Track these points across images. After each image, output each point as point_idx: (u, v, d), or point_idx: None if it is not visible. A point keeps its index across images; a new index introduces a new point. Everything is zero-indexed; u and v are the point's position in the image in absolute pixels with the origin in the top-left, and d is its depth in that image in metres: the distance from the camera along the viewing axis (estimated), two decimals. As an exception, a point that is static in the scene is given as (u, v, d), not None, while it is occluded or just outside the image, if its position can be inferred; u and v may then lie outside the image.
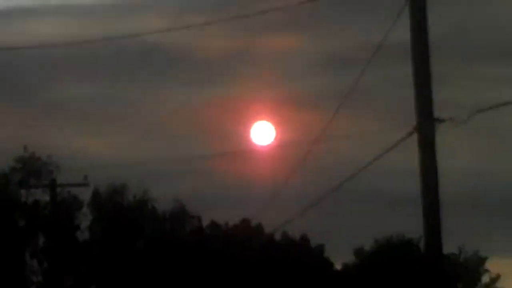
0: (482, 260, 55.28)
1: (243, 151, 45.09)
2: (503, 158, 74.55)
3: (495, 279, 59.98)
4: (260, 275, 53.73)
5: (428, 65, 19.85)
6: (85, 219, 54.53)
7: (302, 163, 32.46)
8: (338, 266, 60.43)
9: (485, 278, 59.95)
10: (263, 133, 41.51)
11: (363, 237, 58.01)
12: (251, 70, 71.13)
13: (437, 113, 19.92)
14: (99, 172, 48.78)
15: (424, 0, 20.17)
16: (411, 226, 33.02)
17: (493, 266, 59.68)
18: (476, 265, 58.85)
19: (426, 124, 19.18)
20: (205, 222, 55.83)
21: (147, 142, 76.71)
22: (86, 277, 55.16)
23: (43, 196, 49.30)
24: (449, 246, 29.12)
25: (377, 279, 56.86)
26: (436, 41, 20.64)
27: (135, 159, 67.46)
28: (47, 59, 68.27)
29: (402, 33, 21.21)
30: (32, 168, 51.94)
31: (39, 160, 52.08)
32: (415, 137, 19.26)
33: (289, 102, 66.26)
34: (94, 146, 75.70)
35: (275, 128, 41.78)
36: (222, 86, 69.70)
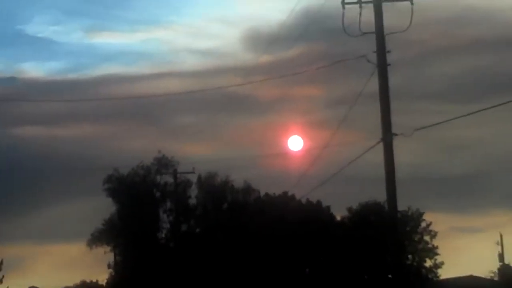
0: (421, 214, 65.75)
1: (285, 154, 63.67)
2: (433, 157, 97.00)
3: (429, 224, 67.72)
4: (294, 226, 64.94)
5: (388, 102, 28.61)
6: (193, 192, 71.93)
7: (316, 161, 46.86)
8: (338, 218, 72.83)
9: (423, 224, 67.69)
10: (296, 143, 55.88)
11: (353, 201, 68.73)
12: (290, 106, 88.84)
13: (394, 130, 28.58)
14: (202, 166, 69.63)
15: (385, 66, 28.84)
16: (382, 195, 36.42)
17: (426, 217, 67.70)
18: (417, 216, 66.84)
19: (387, 137, 28.20)
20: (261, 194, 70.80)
21: (229, 150, 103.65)
22: (194, 225, 71.65)
23: (170, 179, 70.76)
24: (401, 206, 34.37)
25: (360, 225, 66.54)
26: (394, 88, 29.98)
27: (221, 159, 78.44)
28: (172, 102, 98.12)
29: (374, 86, 30.20)
30: (163, 163, 70.57)
31: (167, 158, 70.59)
32: (381, 144, 28.85)
33: (312, 124, 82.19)
34: (200, 151, 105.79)
35: (303, 140, 56.36)
36: (273, 116, 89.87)
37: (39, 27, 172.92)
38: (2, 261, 55.15)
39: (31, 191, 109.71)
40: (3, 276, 55.39)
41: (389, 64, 30.36)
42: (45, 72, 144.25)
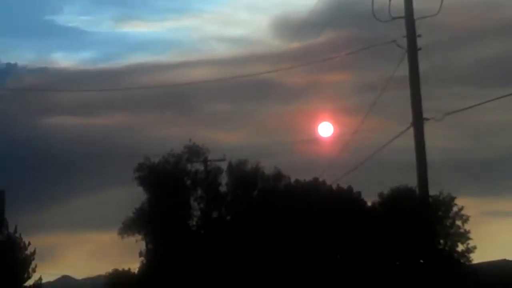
0: (453, 198, 70.37)
1: (315, 140, 63.48)
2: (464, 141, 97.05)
3: (461, 209, 67.54)
4: (324, 212, 65.73)
5: (419, 87, 28.71)
6: (223, 180, 71.89)
7: (347, 147, 46.99)
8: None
9: (455, 208, 67.13)
10: (326, 129, 55.52)
11: (385, 187, 68.42)
12: (320, 93, 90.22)
13: (425, 114, 28.73)
14: (232, 153, 69.38)
15: (416, 50, 28.74)
16: (413, 180, 47.35)
17: (458, 201, 67.45)
18: (449, 201, 66.49)
19: (418, 121, 28.29)
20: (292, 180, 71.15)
21: (259, 136, 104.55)
22: (225, 212, 71.15)
23: (200, 167, 70.68)
24: (432, 191, 33.60)
25: (391, 210, 66.46)
26: (424, 73, 29.73)
27: (252, 146, 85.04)
28: (202, 90, 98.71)
29: (404, 71, 30.16)
30: (194, 151, 70.55)
31: (197, 146, 70.68)
32: (412, 129, 28.86)
33: (343, 111, 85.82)
34: (230, 138, 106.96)
35: (333, 126, 55.88)
36: (303, 103, 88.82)
37: (69, 17, 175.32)
38: (35, 250, 58.68)
39: (63, 180, 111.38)
40: (36, 266, 58.72)
41: (420, 49, 30.52)
42: (76, 62, 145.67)
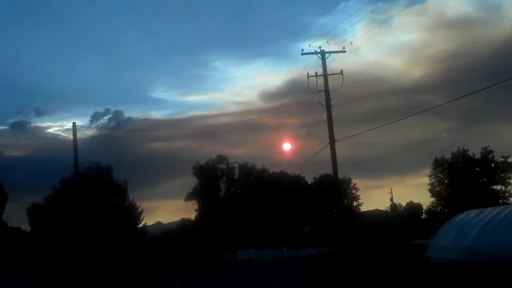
0: (350, 179, 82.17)
1: (281, 152, 72.20)
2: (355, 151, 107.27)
3: (354, 184, 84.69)
4: (286, 187, 78.70)
5: (332, 124, 36.29)
6: (236, 172, 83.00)
7: (299, 154, 61.60)
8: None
9: (351, 184, 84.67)
10: (287, 146, 79.83)
11: (317, 174, 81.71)
12: (283, 128, 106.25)
13: (335, 138, 36.35)
14: (240, 159, 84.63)
15: (330, 106, 36.33)
16: (330, 171, 41.27)
17: (353, 181, 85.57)
18: (348, 180, 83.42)
19: (332, 141, 36.42)
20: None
21: (254, 150, 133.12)
22: (237, 188, 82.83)
23: (224, 166, 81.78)
24: (340, 176, 40.18)
25: (320, 185, 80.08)
26: (334, 117, 36.13)
27: (251, 156, 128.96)
28: (225, 128, 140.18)
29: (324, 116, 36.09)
30: (221, 158, 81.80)
31: (222, 155, 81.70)
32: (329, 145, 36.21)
33: (295, 136, 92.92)
34: (239, 151, 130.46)
35: (291, 144, 64.93)
36: (275, 133, 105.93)
37: (159, 93, 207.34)
38: (142, 209, 64.08)
39: (157, 175, 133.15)
40: (143, 217, 64.38)
41: (332, 105, 35.93)
42: (161, 115, 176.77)
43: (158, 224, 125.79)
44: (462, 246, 20.08)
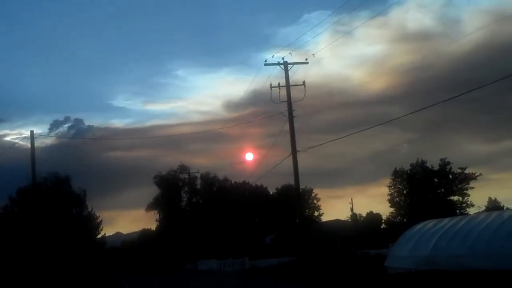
0: (311, 189, 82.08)
1: (243, 162, 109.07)
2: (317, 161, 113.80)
3: (316, 194, 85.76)
4: (247, 196, 79.73)
5: (294, 135, 34.07)
6: (198, 182, 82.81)
7: (260, 164, 53.88)
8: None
9: (313, 194, 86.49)
10: (250, 156, 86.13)
11: (279, 184, 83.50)
12: (247, 138, 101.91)
13: (298, 148, 33.89)
14: (202, 168, 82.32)
15: (292, 117, 34.28)
16: (292, 180, 41.19)
17: (315, 191, 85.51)
18: (309, 190, 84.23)
19: (294, 152, 34.04)
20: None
21: (217, 160, 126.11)
22: (199, 199, 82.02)
23: (186, 176, 79.03)
24: (301, 186, 35.30)
25: (282, 196, 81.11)
26: (297, 127, 34.10)
27: (213, 165, 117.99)
28: (187, 138, 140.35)
29: (287, 126, 33.97)
30: (183, 167, 79.32)
31: (184, 165, 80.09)
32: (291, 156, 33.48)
33: (259, 146, 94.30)
34: (201, 161, 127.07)
35: (253, 154, 60.72)
36: (238, 143, 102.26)
37: (119, 101, 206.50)
38: (101, 220, 64.04)
39: (117, 185, 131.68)
40: (102, 227, 64.31)
41: (294, 116, 35.27)
42: (123, 124, 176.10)
43: (118, 234, 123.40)
44: (420, 256, 20.50)
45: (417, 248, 20.55)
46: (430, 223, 21.95)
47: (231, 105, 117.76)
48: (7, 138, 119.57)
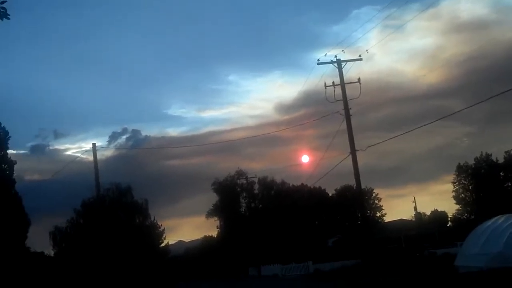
0: (372, 189, 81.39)
1: (299, 164, 68.50)
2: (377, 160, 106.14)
3: (377, 194, 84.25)
4: (307, 199, 79.02)
5: (352, 134, 33.43)
6: (256, 187, 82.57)
7: (319, 165, 50.02)
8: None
9: (374, 194, 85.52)
10: (306, 158, 79.31)
11: (339, 185, 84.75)
12: (302, 140, 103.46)
13: (356, 147, 32.94)
14: (259, 173, 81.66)
15: (349, 115, 33.69)
16: (352, 181, 45.82)
17: (375, 190, 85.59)
18: (370, 190, 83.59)
19: (353, 151, 33.28)
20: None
21: (273, 163, 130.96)
22: (257, 204, 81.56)
23: (244, 181, 79.93)
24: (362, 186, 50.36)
25: (342, 197, 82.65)
26: (354, 126, 33.90)
27: (269, 169, 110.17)
28: (242, 142, 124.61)
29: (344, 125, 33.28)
30: (241, 173, 78.97)
31: (242, 170, 79.63)
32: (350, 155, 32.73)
33: (315, 148, 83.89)
34: (258, 166, 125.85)
35: (310, 156, 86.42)
36: (293, 145, 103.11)
37: (174, 110, 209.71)
38: (164, 228, 62.80)
39: (176, 193, 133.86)
40: (165, 236, 63.15)
41: (351, 115, 34.80)
42: (178, 132, 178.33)
43: (180, 243, 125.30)
44: (492, 253, 19.74)
45: (489, 245, 19.81)
46: (501, 219, 21.13)
47: (284, 108, 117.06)
48: (69, 152, 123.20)
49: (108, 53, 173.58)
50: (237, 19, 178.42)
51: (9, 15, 6.77)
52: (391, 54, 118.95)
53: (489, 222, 22.18)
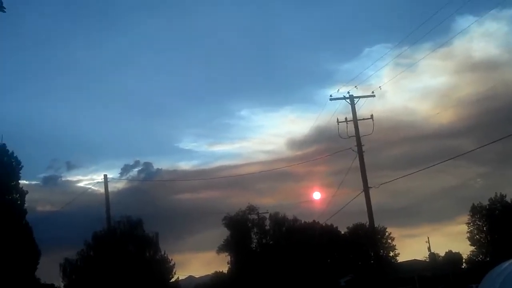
0: (385, 228, 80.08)
1: (311, 200, 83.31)
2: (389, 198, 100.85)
3: (390, 233, 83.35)
4: (318, 237, 78.03)
5: (365, 170, 32.76)
6: (267, 222, 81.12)
7: (330, 203, 48.28)
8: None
9: (386, 233, 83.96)
10: (318, 194, 79.02)
11: (350, 223, 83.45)
12: (314, 176, 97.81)
13: (369, 184, 32.32)
14: (271, 208, 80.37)
15: (362, 152, 33.12)
16: (364, 219, 48.29)
17: (388, 229, 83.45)
18: (383, 229, 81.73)
19: (366, 188, 32.72)
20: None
21: (284, 199, 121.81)
22: (269, 239, 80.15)
23: (255, 216, 79.05)
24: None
25: (354, 235, 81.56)
26: (367, 163, 32.94)
27: (281, 205, 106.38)
28: (254, 177, 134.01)
29: (356, 163, 33.02)
30: (251, 208, 77.07)
31: (253, 206, 77.44)
32: (363, 193, 32.37)
33: (326, 185, 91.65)
34: (269, 201, 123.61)
35: (321, 193, 75.42)
36: (305, 181, 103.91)
37: (186, 144, 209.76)
38: (174, 263, 64.36)
39: (187, 227, 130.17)
40: (175, 271, 64.51)
41: (364, 151, 34.56)
42: (189, 166, 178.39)
43: (190, 278, 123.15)
44: (509, 296, 19.03)
45: (505, 288, 19.14)
46: (517, 261, 20.49)
47: (296, 143, 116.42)
48: (81, 184, 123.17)
49: (122, 87, 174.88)
50: (250, 54, 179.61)
51: (4, 8, 6.86)
52: (404, 92, 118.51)
53: (506, 264, 21.64)
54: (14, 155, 36.60)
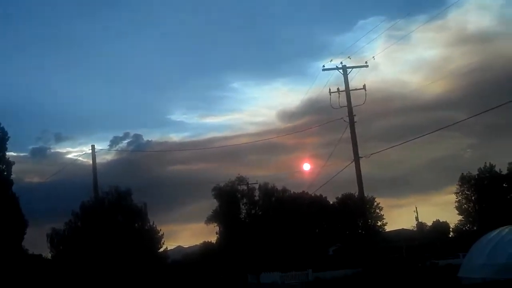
0: (374, 198, 79.84)
1: (301, 171, 66.32)
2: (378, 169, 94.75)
3: (378, 203, 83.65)
4: (307, 207, 78.78)
5: (356, 141, 33.01)
6: (257, 193, 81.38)
7: (320, 173, 47.36)
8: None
9: (375, 203, 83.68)
10: (307, 166, 68.60)
11: (339, 193, 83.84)
12: (304, 147, 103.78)
13: (360, 154, 32.27)
14: (260, 179, 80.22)
15: (353, 122, 33.36)
16: (354, 189, 54.59)
17: (377, 199, 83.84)
18: (371, 199, 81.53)
19: (356, 159, 32.84)
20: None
21: (274, 170, 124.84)
22: (258, 210, 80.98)
23: (245, 187, 79.10)
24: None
25: (343, 205, 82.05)
26: (358, 133, 33.11)
27: (270, 176, 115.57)
28: (243, 149, 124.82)
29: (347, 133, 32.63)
30: (241, 179, 77.33)
31: (242, 176, 78.36)
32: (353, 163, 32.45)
33: (316, 156, 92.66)
34: (259, 172, 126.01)
35: (311, 164, 70.76)
36: (295, 153, 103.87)
37: (177, 116, 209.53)
38: (163, 233, 65.08)
39: (177, 198, 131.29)
40: (164, 241, 65.38)
41: (356, 122, 34.72)
42: (180, 137, 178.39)
43: (179, 248, 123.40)
44: (497, 264, 19.48)
45: (493, 257, 19.57)
46: (505, 230, 20.88)
47: (287, 115, 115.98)
48: (70, 156, 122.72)
49: (112, 58, 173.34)
50: (242, 26, 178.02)
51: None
52: (397, 64, 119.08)
53: (494, 233, 21.94)
54: (1, 125, 36.03)
